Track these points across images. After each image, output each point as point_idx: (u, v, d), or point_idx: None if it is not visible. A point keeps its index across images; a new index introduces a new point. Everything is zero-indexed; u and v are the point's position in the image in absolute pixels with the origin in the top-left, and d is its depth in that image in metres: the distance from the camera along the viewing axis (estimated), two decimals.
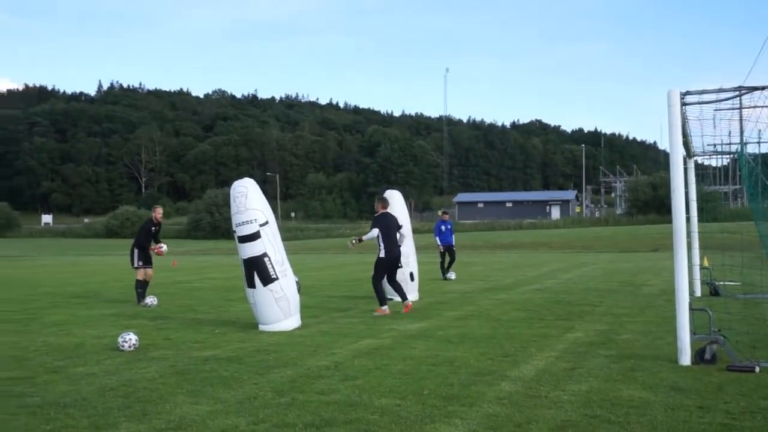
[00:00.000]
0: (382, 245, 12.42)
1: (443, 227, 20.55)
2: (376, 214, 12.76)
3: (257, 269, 10.47)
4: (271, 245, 10.61)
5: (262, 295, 10.48)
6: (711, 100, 7.84)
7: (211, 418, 5.71)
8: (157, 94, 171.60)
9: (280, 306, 10.51)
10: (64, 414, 5.89)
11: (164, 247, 14.99)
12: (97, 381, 7.12)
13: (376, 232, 12.39)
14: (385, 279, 12.64)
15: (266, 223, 10.65)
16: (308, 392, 6.50)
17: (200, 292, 17.67)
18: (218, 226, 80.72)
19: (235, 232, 10.73)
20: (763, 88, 7.45)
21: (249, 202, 10.62)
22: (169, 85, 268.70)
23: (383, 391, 6.52)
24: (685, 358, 7.43)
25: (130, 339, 8.89)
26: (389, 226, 12.53)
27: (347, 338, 9.65)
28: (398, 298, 14.45)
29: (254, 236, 10.51)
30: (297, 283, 11.57)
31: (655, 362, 7.60)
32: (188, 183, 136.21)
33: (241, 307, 13.30)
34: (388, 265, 12.55)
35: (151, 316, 12.61)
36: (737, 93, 7.57)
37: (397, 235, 12.68)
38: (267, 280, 10.47)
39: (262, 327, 10.60)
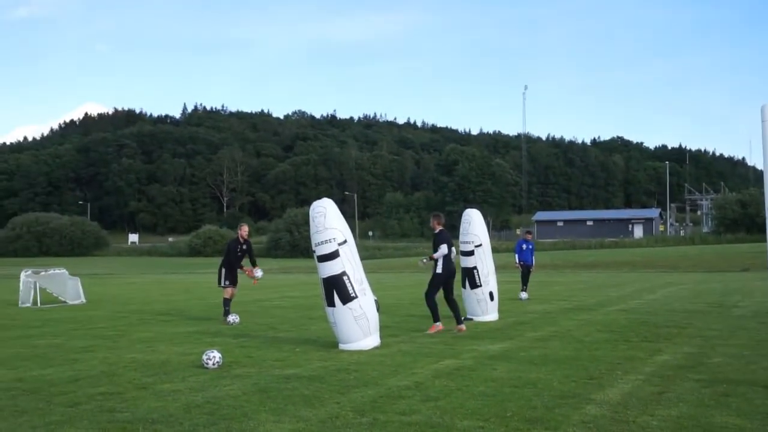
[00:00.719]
0: (440, 262, 12.42)
1: (524, 246, 20.44)
2: (435, 231, 12.69)
3: (336, 288, 10.52)
4: (350, 264, 10.66)
5: (341, 313, 10.52)
6: None
7: None
8: (239, 115, 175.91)
9: (359, 324, 10.53)
10: (153, 430, 6.01)
11: (259, 272, 14.99)
12: (183, 397, 7.25)
13: (446, 248, 12.39)
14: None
15: (345, 242, 10.71)
16: (389, 412, 6.47)
17: (280, 310, 17.87)
18: (297, 245, 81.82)
19: (314, 251, 10.82)
20: None
21: (328, 221, 10.69)
22: (251, 106, 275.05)
23: (465, 413, 6.43)
24: None
25: (214, 356, 9.04)
26: (449, 243, 12.56)
27: (427, 358, 9.59)
28: (479, 318, 14.34)
29: (333, 255, 10.57)
30: (375, 301, 11.59)
31: (749, 388, 7.29)
32: (268, 202, 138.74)
33: (321, 325, 13.38)
34: (445, 281, 12.57)
35: (234, 334, 12.82)
36: None
37: (452, 252, 12.69)
38: (346, 298, 10.51)
39: (342, 346, 10.64)
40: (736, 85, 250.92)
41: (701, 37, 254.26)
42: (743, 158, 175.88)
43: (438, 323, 12.46)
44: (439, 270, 12.44)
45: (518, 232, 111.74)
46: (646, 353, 9.72)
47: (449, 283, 12.65)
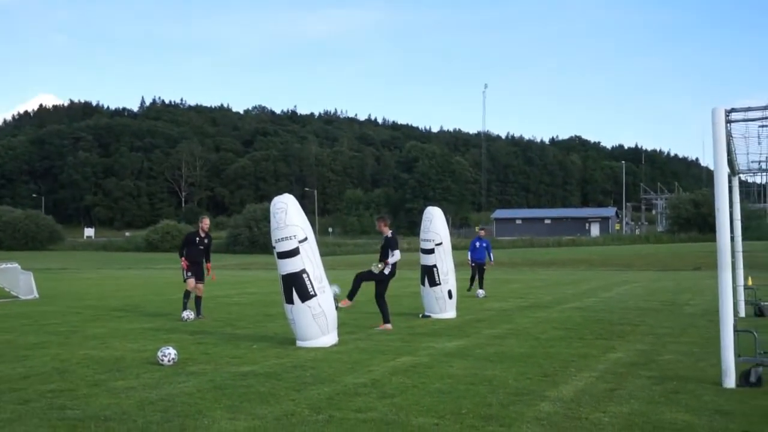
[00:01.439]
0: (390, 264, 12.63)
1: (477, 244, 20.71)
2: (386, 235, 12.79)
3: (296, 285, 10.50)
4: (310, 261, 10.63)
5: (300, 311, 10.50)
6: (757, 117, 7.70)
7: None
8: (198, 109, 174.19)
9: (317, 322, 10.52)
10: (105, 428, 5.94)
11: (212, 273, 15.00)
12: (137, 395, 7.18)
13: (398, 254, 12.69)
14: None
15: (305, 239, 10.68)
16: (345, 410, 6.48)
17: (239, 307, 17.77)
18: (257, 241, 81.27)
19: (274, 247, 10.77)
20: None
21: (288, 218, 10.64)
22: (210, 101, 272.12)
23: (421, 409, 6.47)
24: (730, 381, 7.28)
25: (169, 353, 8.96)
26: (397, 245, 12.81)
27: (384, 355, 9.62)
28: (436, 316, 14.44)
29: (293, 252, 10.54)
30: (335, 293, 11.60)
31: (698, 384, 7.45)
32: (228, 197, 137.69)
33: (279, 322, 13.34)
34: (388, 281, 12.83)
35: (190, 330, 12.71)
36: None
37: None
38: (305, 296, 10.48)
39: (300, 343, 10.62)
40: (691, 87, 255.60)
41: (658, 39, 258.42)
42: (696, 159, 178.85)
43: (388, 324, 12.62)
44: (387, 271, 12.66)
45: (477, 229, 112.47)
46: (599, 351, 9.87)
47: (388, 283, 12.94)
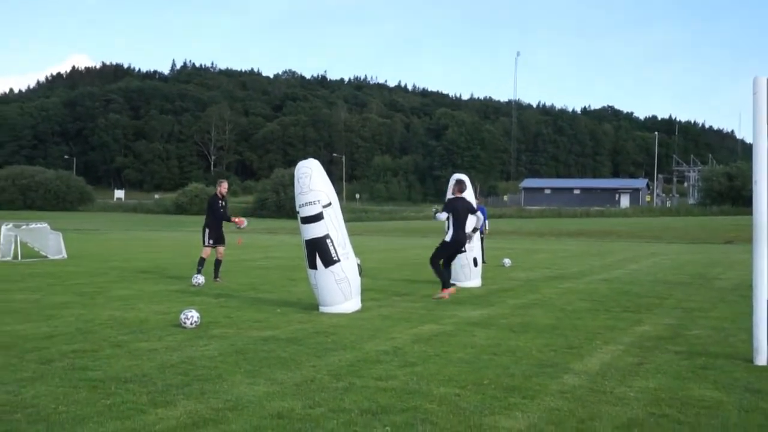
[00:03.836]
0: (450, 229, 12.30)
1: None
2: (449, 198, 12.61)
3: (319, 250, 10.43)
4: (334, 227, 10.55)
5: (323, 276, 10.44)
6: None
7: (267, 399, 5.66)
8: (228, 73, 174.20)
9: (341, 288, 10.45)
10: (125, 389, 5.92)
11: (245, 221, 15.12)
12: (159, 357, 7.17)
13: (444, 215, 12.30)
14: None
15: (329, 204, 10.59)
16: (366, 377, 6.41)
17: (263, 271, 17.79)
18: (284, 206, 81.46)
19: (298, 212, 10.71)
20: None
21: (313, 183, 10.55)
22: (240, 64, 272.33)
23: (442, 379, 6.38)
24: (762, 358, 7.09)
25: (192, 316, 8.94)
26: (459, 211, 12.34)
27: (407, 323, 9.54)
28: (461, 284, 14.31)
29: (317, 217, 10.46)
30: (358, 265, 11.50)
31: (728, 360, 7.28)
32: (256, 162, 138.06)
33: (303, 287, 13.30)
34: (451, 249, 12.48)
35: (214, 293, 12.72)
36: None
37: (472, 219, 12.52)
38: (329, 261, 10.42)
39: (322, 308, 10.57)
40: (727, 58, 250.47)
41: (694, 7, 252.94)
42: (732, 131, 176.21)
43: (449, 288, 12.30)
44: (447, 238, 12.36)
45: (505, 198, 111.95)
46: (626, 323, 9.70)
47: (455, 252, 12.60)
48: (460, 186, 12.70)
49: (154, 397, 5.68)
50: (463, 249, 12.90)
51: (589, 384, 6.27)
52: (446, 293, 12.23)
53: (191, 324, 8.87)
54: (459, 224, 12.32)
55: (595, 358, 7.36)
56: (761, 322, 7.09)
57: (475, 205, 15.09)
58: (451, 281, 14.41)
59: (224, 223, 14.85)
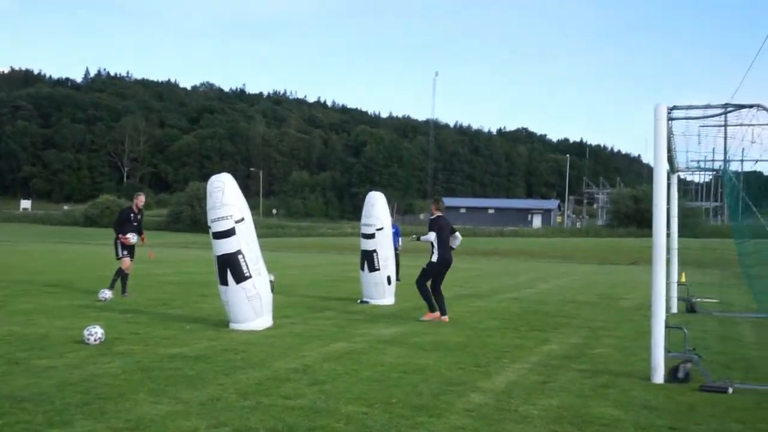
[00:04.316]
0: (436, 249, 11.87)
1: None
2: (431, 216, 12.23)
3: (231, 266, 10.30)
4: (246, 243, 10.44)
5: (234, 292, 10.30)
6: (698, 116, 7.76)
7: (170, 418, 5.53)
8: (144, 83, 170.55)
9: (252, 305, 10.34)
10: (19, 408, 5.69)
11: (133, 238, 14.31)
12: (58, 375, 6.92)
13: (433, 236, 11.86)
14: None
15: (242, 220, 10.48)
16: (274, 396, 6.34)
17: (175, 286, 17.43)
18: (198, 220, 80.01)
19: (210, 227, 10.56)
20: (750, 107, 7.37)
21: (225, 197, 10.44)
22: (157, 75, 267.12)
23: (351, 397, 6.37)
24: (659, 376, 7.35)
25: (96, 332, 8.68)
26: (444, 229, 11.99)
27: (319, 341, 9.50)
28: (375, 301, 14.35)
29: (229, 233, 10.34)
30: (271, 282, 11.40)
31: (628, 379, 7.50)
32: (171, 174, 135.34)
33: (214, 303, 13.09)
34: (439, 270, 12.04)
35: (122, 309, 12.38)
36: (724, 110, 7.49)
37: (451, 239, 12.13)
38: (240, 278, 10.30)
39: (233, 325, 10.42)
40: (635, 85, 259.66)
41: (605, 36, 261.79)
42: (639, 155, 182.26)
43: (436, 312, 11.94)
44: (434, 258, 11.89)
45: (422, 216, 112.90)
46: (534, 342, 9.90)
47: (442, 273, 12.15)
48: (438, 204, 12.36)
49: (50, 417, 5.48)
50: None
51: (494, 402, 6.36)
52: (431, 317, 11.92)
53: (95, 340, 8.61)
54: (444, 243, 11.90)
55: (502, 377, 7.47)
56: (659, 342, 7.35)
57: (390, 224, 15.16)
58: (364, 299, 14.47)
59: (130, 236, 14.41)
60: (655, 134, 7.43)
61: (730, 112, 7.53)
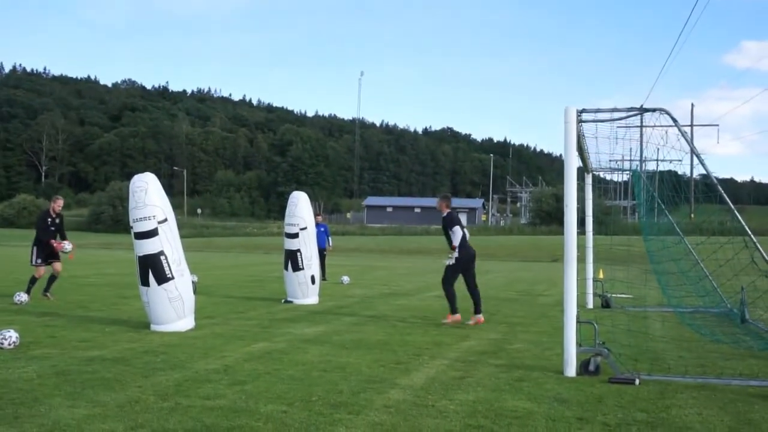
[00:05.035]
0: (454, 235, 11.46)
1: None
2: (444, 215, 11.68)
3: (152, 267, 10.21)
4: (169, 243, 10.37)
5: (156, 294, 10.22)
6: (605, 118, 8.07)
7: (87, 422, 5.50)
8: (63, 80, 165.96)
9: (173, 306, 10.27)
10: None
11: (68, 246, 13.95)
12: None
13: (460, 230, 11.40)
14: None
15: (165, 220, 10.41)
16: (193, 397, 6.35)
17: (94, 288, 17.11)
18: (120, 220, 78.56)
19: (132, 227, 10.46)
20: (653, 110, 7.72)
21: (148, 197, 10.36)
22: (76, 72, 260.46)
23: (271, 397, 6.43)
24: (571, 370, 7.62)
25: (10, 336, 8.50)
26: (461, 224, 11.60)
27: (241, 341, 9.50)
28: (298, 301, 14.40)
29: (152, 233, 10.26)
30: (193, 283, 11.34)
31: (542, 373, 7.76)
32: (91, 174, 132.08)
33: (135, 305, 12.94)
34: (466, 266, 11.65)
35: (39, 312, 12.12)
36: (629, 114, 7.82)
37: (466, 235, 11.70)
38: (162, 279, 10.22)
39: (154, 327, 10.34)
40: (558, 87, 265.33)
41: (529, 38, 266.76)
42: (560, 155, 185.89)
43: (457, 315, 11.53)
44: (457, 254, 11.46)
45: (348, 216, 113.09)
46: (454, 339, 10.12)
47: (470, 268, 11.70)
48: (447, 201, 11.99)
49: None
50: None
51: (412, 398, 6.51)
52: (451, 320, 11.52)
53: (9, 345, 8.43)
54: (465, 238, 11.58)
55: (421, 373, 7.64)
56: (571, 337, 7.63)
57: (314, 223, 15.12)
58: (288, 298, 14.49)
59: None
60: (566, 136, 7.70)
61: (634, 115, 7.87)
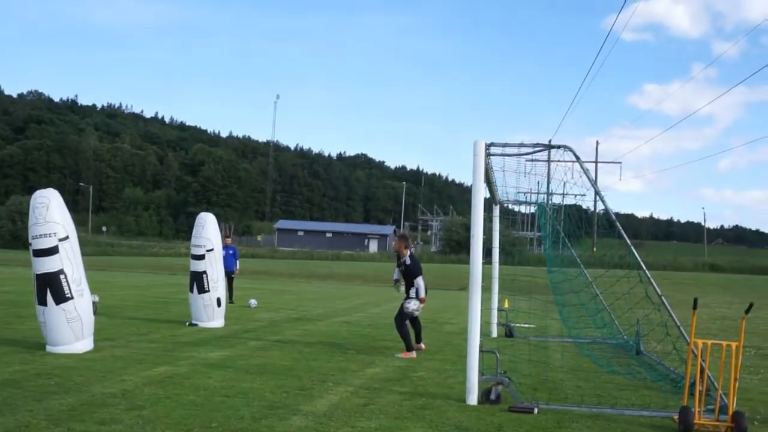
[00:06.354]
0: (419, 289, 11.30)
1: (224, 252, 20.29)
2: (405, 259, 11.36)
3: (51, 286, 9.88)
4: (70, 262, 10.07)
5: (53, 314, 9.88)
6: (513, 153, 8.30)
7: None
8: None
9: (72, 327, 9.95)
10: None
11: None
12: None
13: (422, 283, 11.29)
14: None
15: (66, 238, 10.10)
16: (87, 422, 6.15)
17: None
18: (19, 236, 75.60)
19: (30, 244, 10.10)
20: (558, 147, 7.99)
21: (50, 214, 10.05)
22: None
23: (169, 422, 6.29)
24: (472, 398, 7.74)
25: None
26: (421, 269, 11.44)
27: (141, 364, 9.27)
28: (203, 324, 14.14)
29: (52, 251, 9.94)
30: (94, 303, 11.01)
31: (444, 401, 7.85)
32: None
33: (30, 324, 12.44)
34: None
35: None
36: (535, 149, 8.07)
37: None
38: (61, 298, 9.89)
39: (50, 348, 9.98)
40: (472, 120, 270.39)
41: (442, 70, 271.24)
42: (471, 185, 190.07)
43: (412, 352, 11.21)
44: (413, 295, 11.32)
45: (259, 238, 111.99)
46: (359, 365, 10.13)
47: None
48: (406, 241, 11.67)
49: None
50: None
51: (315, 425, 6.48)
52: (407, 356, 11.13)
53: None
54: (424, 283, 11.46)
55: (325, 399, 7.62)
56: (473, 365, 7.76)
57: (226, 243, 14.84)
58: (193, 321, 14.22)
59: None
60: (474, 168, 7.89)
61: (540, 151, 8.14)
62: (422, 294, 11.36)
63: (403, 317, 11.36)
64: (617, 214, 8.54)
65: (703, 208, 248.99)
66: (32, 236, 10.07)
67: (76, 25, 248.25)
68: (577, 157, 8.13)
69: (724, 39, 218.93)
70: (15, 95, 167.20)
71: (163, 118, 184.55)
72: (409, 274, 11.33)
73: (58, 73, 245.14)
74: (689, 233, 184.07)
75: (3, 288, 22.90)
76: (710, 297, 31.36)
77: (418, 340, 11.93)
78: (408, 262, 11.37)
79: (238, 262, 20.80)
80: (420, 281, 11.30)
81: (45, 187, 10.80)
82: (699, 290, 34.65)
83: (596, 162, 70.45)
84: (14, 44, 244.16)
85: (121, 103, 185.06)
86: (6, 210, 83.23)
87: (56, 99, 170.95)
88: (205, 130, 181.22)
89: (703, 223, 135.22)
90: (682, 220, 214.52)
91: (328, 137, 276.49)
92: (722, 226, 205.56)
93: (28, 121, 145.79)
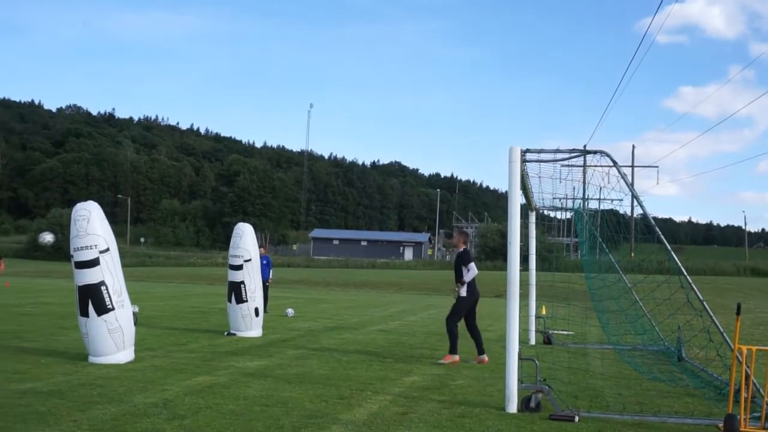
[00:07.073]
0: (471, 269, 11.40)
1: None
2: (460, 250, 11.64)
3: (93, 298, 10.02)
4: (110, 273, 10.20)
5: (95, 325, 10.02)
6: (548, 159, 8.25)
7: None
8: (5, 104, 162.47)
9: (113, 338, 10.08)
10: None
11: None
12: None
13: (474, 269, 11.42)
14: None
15: (107, 250, 10.24)
16: (130, 431, 6.22)
17: (31, 317, 16.68)
18: (61, 247, 76.72)
19: (72, 256, 10.26)
20: (594, 152, 7.92)
21: (90, 226, 10.19)
22: (19, 95, 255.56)
23: None
24: (512, 406, 7.69)
25: None
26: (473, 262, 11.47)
27: (181, 374, 9.36)
28: (242, 333, 14.25)
29: (93, 263, 10.08)
30: (134, 314, 11.15)
31: (483, 409, 7.81)
32: (32, 199, 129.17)
33: (73, 336, 12.64)
34: (470, 306, 11.63)
35: None
36: (571, 155, 8.01)
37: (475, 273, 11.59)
38: (102, 309, 10.03)
39: (92, 359, 10.12)
40: (507, 126, 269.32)
41: (476, 76, 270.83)
42: (505, 192, 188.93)
43: (455, 355, 11.32)
44: (463, 293, 11.40)
45: (295, 247, 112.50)
46: (397, 374, 10.12)
47: (473, 308, 11.68)
48: (465, 237, 11.93)
49: None
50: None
51: None
52: (449, 360, 11.28)
53: None
54: (473, 278, 11.53)
55: (364, 408, 7.62)
56: (512, 373, 7.71)
57: (258, 255, 15.01)
58: (231, 331, 14.33)
59: None
60: (510, 175, 7.86)
61: (576, 156, 8.08)
62: (466, 278, 11.36)
63: (454, 317, 11.43)
64: (655, 219, 8.42)
65: (743, 211, 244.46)
66: (74, 248, 10.22)
67: (113, 40, 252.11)
68: (615, 162, 8.06)
69: (761, 40, 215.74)
70: (54, 110, 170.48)
71: (198, 129, 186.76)
72: (461, 262, 11.47)
73: (96, 87, 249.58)
74: (729, 237, 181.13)
75: (46, 300, 23.29)
76: (753, 302, 30.82)
77: (481, 351, 11.68)
78: (460, 250, 11.67)
79: (271, 271, 20.94)
80: (473, 267, 11.46)
81: (84, 199, 10.96)
82: (741, 295, 34.10)
83: (632, 166, 69.61)
84: (53, 59, 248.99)
85: (157, 116, 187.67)
86: (47, 222, 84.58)
87: (94, 112, 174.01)
88: (240, 141, 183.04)
89: (743, 227, 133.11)
90: (722, 224, 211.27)
91: (362, 145, 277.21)
92: (763, 230, 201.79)
93: (67, 134, 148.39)
